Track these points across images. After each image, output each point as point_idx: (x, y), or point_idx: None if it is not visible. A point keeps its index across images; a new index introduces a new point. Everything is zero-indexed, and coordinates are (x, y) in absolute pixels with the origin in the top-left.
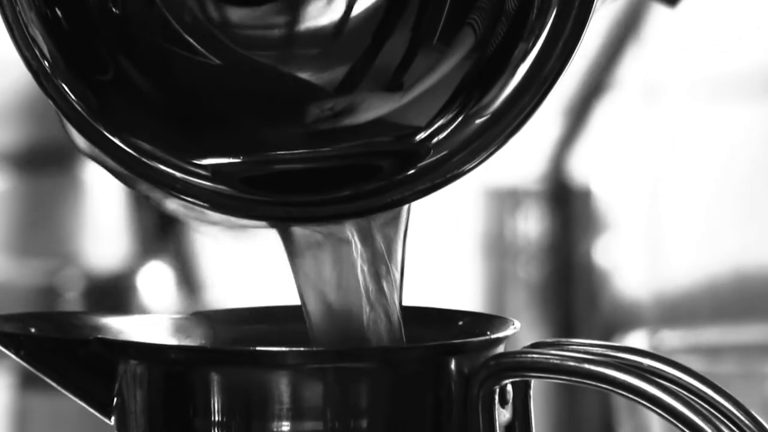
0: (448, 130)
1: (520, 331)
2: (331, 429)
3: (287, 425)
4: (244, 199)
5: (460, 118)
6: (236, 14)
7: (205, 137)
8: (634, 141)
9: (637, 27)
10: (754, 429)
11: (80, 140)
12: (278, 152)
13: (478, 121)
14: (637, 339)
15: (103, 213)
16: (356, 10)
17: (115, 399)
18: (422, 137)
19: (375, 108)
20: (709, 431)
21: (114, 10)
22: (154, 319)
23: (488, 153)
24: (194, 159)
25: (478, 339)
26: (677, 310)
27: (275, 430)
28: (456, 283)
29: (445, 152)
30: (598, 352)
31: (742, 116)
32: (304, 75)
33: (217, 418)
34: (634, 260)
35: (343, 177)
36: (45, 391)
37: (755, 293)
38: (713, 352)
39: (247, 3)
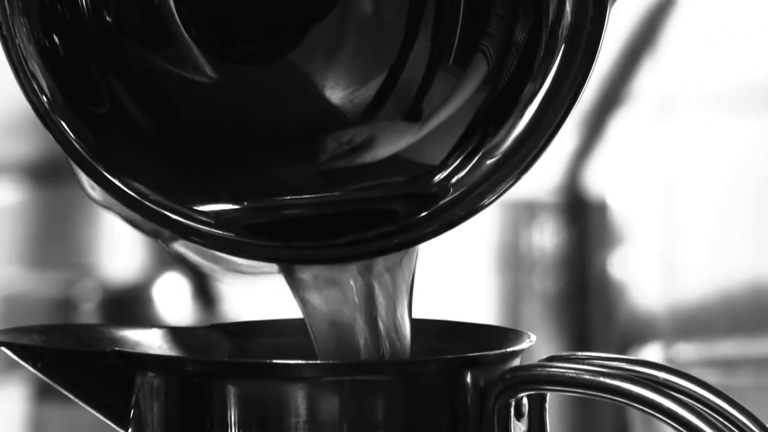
0: (461, 172)
1: (535, 344)
2: None
3: None
4: (250, 243)
5: (472, 160)
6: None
7: (208, 180)
8: (649, 154)
9: (653, 41)
10: None
11: (89, 188)
12: (286, 197)
13: (488, 162)
14: (653, 352)
15: (119, 225)
16: (373, 34)
17: (132, 411)
18: (434, 179)
19: (393, 142)
20: None
21: (115, 41)
22: (171, 332)
23: (497, 194)
24: (196, 204)
25: (494, 352)
26: (692, 323)
27: None
28: (471, 295)
29: (455, 194)
30: (614, 365)
31: (757, 129)
32: (323, 104)
33: (233, 430)
34: (649, 273)
35: (352, 222)
36: (61, 402)
37: None
38: (728, 364)
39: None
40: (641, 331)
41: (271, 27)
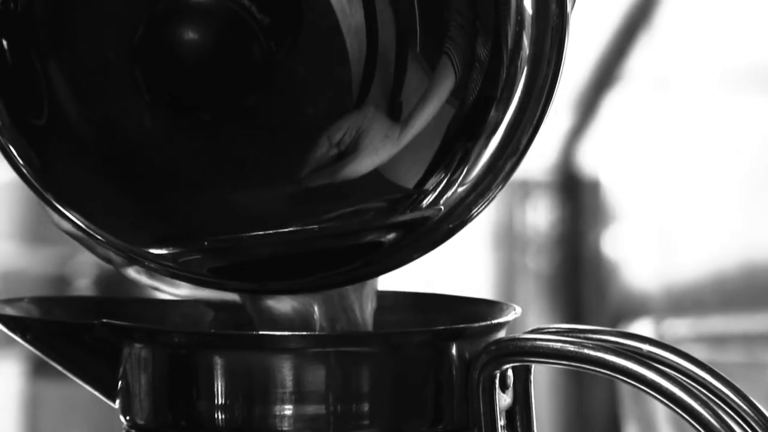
0: (431, 197)
1: (528, 321)
2: (333, 412)
3: (290, 408)
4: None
5: (443, 184)
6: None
7: (166, 218)
8: (643, 133)
9: (647, 20)
10: (753, 414)
11: (54, 216)
12: (254, 233)
13: (460, 190)
14: (644, 327)
15: None
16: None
17: (120, 382)
18: (421, 203)
19: (376, 148)
20: (707, 416)
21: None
22: (158, 304)
23: (468, 220)
24: (151, 246)
25: (479, 324)
26: (684, 300)
27: (278, 413)
28: (466, 273)
29: (427, 223)
30: (599, 337)
31: (752, 108)
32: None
33: (220, 402)
34: (642, 251)
35: (328, 257)
36: (56, 378)
37: (762, 284)
38: (719, 341)
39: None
40: (634, 308)
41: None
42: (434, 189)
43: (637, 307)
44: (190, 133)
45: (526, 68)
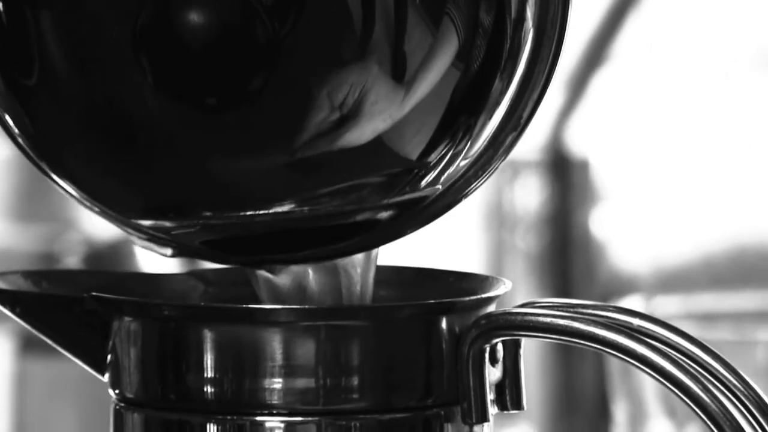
0: (446, 171)
1: (517, 300)
2: (323, 386)
3: (279, 382)
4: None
5: (446, 158)
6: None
7: (158, 188)
8: (633, 112)
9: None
10: (743, 389)
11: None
12: (249, 212)
13: (462, 164)
14: (633, 305)
15: None
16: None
17: (109, 356)
18: (419, 182)
19: (380, 111)
20: (698, 390)
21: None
22: (148, 278)
23: (466, 195)
24: (144, 219)
25: (469, 298)
26: (673, 279)
27: (268, 386)
28: (455, 252)
29: (425, 201)
30: (589, 312)
31: (743, 89)
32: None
33: (209, 375)
34: (631, 230)
35: (324, 233)
36: (44, 355)
37: (750, 262)
38: (707, 318)
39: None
40: (622, 286)
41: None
42: (437, 163)
43: (626, 286)
44: (191, 114)
45: (529, 41)
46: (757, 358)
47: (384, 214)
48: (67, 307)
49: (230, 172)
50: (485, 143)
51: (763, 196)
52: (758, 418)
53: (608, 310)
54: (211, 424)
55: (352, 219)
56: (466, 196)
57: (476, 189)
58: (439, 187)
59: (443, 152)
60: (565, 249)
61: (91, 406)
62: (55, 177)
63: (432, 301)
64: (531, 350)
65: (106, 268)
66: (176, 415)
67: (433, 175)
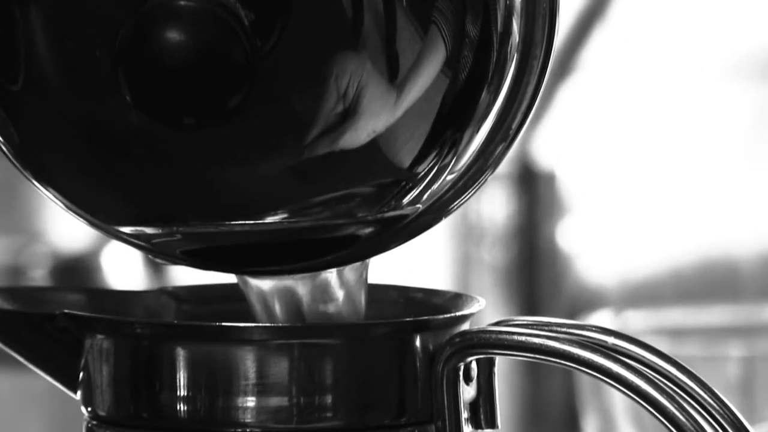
0: (419, 187)
1: (484, 313)
2: (296, 404)
3: (252, 400)
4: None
5: (433, 171)
6: None
7: (138, 197)
8: (599, 125)
9: (602, 11)
10: (718, 407)
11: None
12: (230, 222)
13: (448, 178)
14: (601, 320)
15: None
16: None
17: (81, 373)
18: (402, 200)
19: (374, 113)
20: (672, 409)
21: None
22: (120, 295)
23: (451, 210)
24: (125, 227)
25: (443, 316)
26: (641, 293)
27: (241, 405)
28: (421, 264)
29: (416, 209)
30: (564, 330)
31: (708, 100)
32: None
33: (182, 393)
34: (598, 243)
35: (306, 247)
36: (10, 369)
37: (718, 276)
38: (677, 333)
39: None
40: (590, 300)
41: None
42: (424, 176)
43: (593, 300)
44: (171, 131)
45: (516, 54)
46: (728, 373)
47: (370, 229)
48: (39, 325)
49: (214, 183)
50: (473, 155)
51: (730, 209)
52: None
53: (583, 329)
54: None
55: (338, 233)
56: (456, 208)
57: (466, 201)
58: (420, 205)
59: (431, 164)
60: (532, 262)
61: (59, 422)
62: (36, 183)
63: (406, 320)
64: (498, 365)
65: (72, 281)
66: None
67: (420, 189)
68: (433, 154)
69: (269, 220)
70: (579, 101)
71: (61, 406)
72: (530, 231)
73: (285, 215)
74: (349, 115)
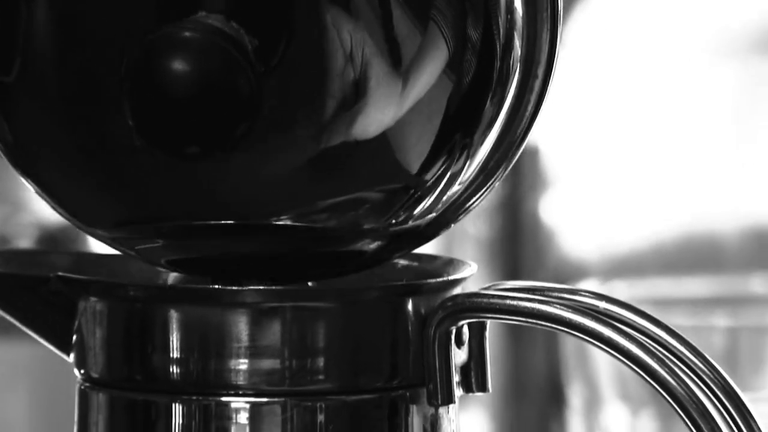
0: (429, 197)
1: (467, 285)
2: (289, 367)
3: (245, 363)
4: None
5: (443, 180)
6: None
7: (124, 201)
8: (582, 98)
9: None
10: (708, 372)
11: None
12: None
13: (455, 189)
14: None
15: None
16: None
17: (75, 336)
18: (405, 201)
19: (382, 105)
20: (663, 372)
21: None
22: (115, 259)
23: (474, 205)
24: (108, 231)
25: (435, 280)
26: (624, 266)
27: (233, 367)
28: None
29: (418, 223)
30: (555, 294)
31: (691, 75)
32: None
33: (175, 355)
34: (580, 216)
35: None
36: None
37: (700, 248)
38: (659, 304)
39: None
40: (572, 272)
41: None
42: (434, 184)
43: (576, 272)
44: (172, 159)
45: (518, 67)
46: (713, 343)
47: (377, 242)
48: (33, 288)
49: (210, 190)
50: (478, 167)
51: (712, 182)
52: (723, 401)
53: (574, 293)
54: (177, 405)
55: (343, 246)
56: (455, 221)
57: (466, 215)
58: (434, 213)
59: (441, 170)
60: (515, 235)
61: (44, 390)
62: (28, 181)
63: (399, 283)
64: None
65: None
66: (141, 395)
67: (431, 200)
68: (441, 161)
69: (270, 225)
70: (562, 76)
71: (50, 375)
72: (514, 204)
73: (286, 223)
74: (358, 100)
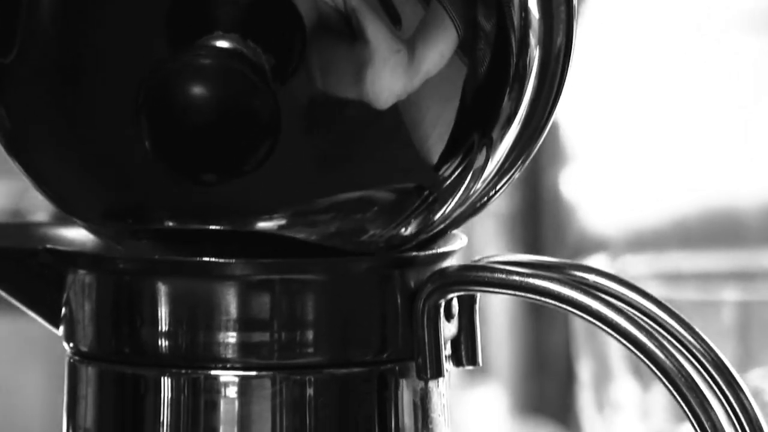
0: (446, 199)
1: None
2: (278, 340)
3: (234, 336)
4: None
5: (465, 181)
6: None
7: (111, 192)
8: (602, 72)
9: None
10: (699, 346)
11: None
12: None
13: (480, 179)
14: (601, 264)
15: None
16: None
17: (64, 309)
18: (416, 205)
19: (390, 76)
20: (652, 346)
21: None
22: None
23: (488, 202)
24: (95, 221)
25: (425, 253)
26: (642, 240)
27: (222, 340)
28: None
29: (436, 219)
30: (545, 267)
31: (713, 49)
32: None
33: (164, 329)
34: (600, 191)
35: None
36: (8, 314)
37: (720, 223)
38: (675, 278)
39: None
40: (592, 247)
41: None
42: (451, 183)
43: (596, 246)
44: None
45: (535, 64)
46: (723, 317)
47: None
48: (22, 260)
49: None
50: (496, 168)
51: (733, 157)
52: (713, 374)
53: (565, 267)
54: (165, 378)
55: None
56: (465, 220)
57: (471, 218)
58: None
59: (457, 167)
60: (535, 210)
61: (58, 365)
62: (22, 169)
63: (388, 256)
64: (501, 310)
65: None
66: (130, 368)
67: (447, 207)
68: (458, 156)
69: (264, 227)
70: (581, 50)
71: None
72: (533, 179)
73: (283, 222)
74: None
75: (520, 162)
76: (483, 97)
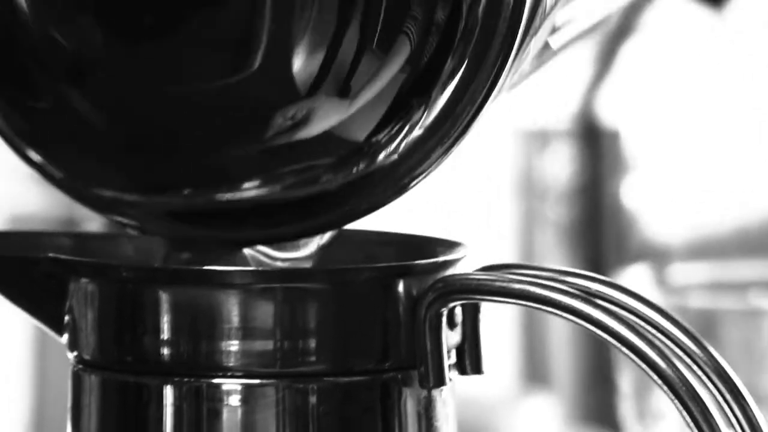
0: (389, 146)
1: None
2: (280, 349)
3: (236, 344)
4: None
5: (399, 133)
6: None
7: (111, 160)
8: (662, 81)
9: None
10: (701, 355)
11: None
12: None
13: (414, 135)
14: (658, 274)
15: None
16: (307, 25)
17: (66, 317)
18: (365, 154)
19: (326, 117)
20: (654, 356)
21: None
22: (114, 239)
23: (428, 167)
24: (91, 187)
25: (427, 261)
26: (705, 248)
27: (224, 349)
28: (486, 222)
29: (385, 167)
30: (547, 276)
31: None
32: (271, 83)
33: (166, 337)
34: (662, 200)
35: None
36: None
37: None
38: (742, 287)
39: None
40: (655, 257)
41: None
42: (389, 139)
43: (657, 255)
44: (135, 48)
45: (480, 20)
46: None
47: (340, 190)
48: (25, 269)
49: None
50: (441, 115)
51: None
52: (717, 384)
53: (568, 276)
54: (168, 386)
55: (303, 192)
56: (429, 168)
57: (440, 163)
58: (395, 156)
59: (396, 128)
60: (596, 219)
61: None
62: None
63: (390, 264)
64: (510, 316)
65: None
66: (133, 377)
67: (389, 149)
68: (395, 121)
69: (236, 190)
70: (642, 58)
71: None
72: (594, 188)
73: (253, 184)
74: (299, 124)
75: (467, 113)
76: (426, 67)
